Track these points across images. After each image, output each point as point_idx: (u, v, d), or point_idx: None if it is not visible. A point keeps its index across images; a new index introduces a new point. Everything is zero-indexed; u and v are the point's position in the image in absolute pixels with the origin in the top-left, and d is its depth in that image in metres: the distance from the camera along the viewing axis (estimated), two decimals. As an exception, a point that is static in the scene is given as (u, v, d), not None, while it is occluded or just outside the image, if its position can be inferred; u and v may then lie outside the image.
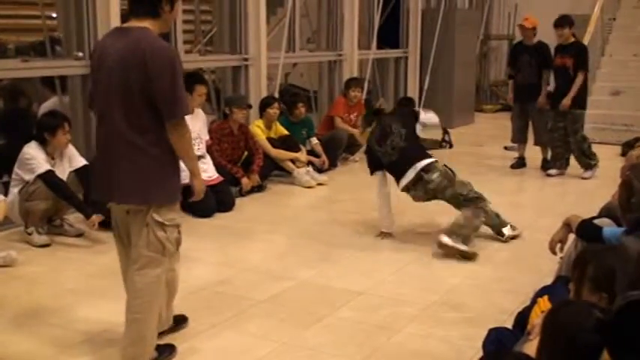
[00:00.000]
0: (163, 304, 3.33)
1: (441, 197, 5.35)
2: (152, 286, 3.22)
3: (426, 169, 5.27)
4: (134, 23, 3.12)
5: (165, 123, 3.06)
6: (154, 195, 3.14)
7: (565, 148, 7.88)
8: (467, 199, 5.27)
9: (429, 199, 5.43)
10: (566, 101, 7.60)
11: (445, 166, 5.39)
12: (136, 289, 3.23)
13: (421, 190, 5.32)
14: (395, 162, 5.38)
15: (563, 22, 7.72)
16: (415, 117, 6.01)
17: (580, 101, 7.71)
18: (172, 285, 3.36)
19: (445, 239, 5.07)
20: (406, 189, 5.39)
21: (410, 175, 5.29)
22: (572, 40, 7.78)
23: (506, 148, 9.13)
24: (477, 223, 5.27)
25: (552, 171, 7.98)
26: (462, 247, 5.08)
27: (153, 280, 3.21)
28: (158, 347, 3.40)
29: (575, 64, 7.64)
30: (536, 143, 8.37)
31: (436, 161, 5.38)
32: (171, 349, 3.51)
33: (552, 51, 7.98)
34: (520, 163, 8.49)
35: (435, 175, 5.25)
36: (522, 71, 8.27)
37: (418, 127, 5.80)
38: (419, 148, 5.49)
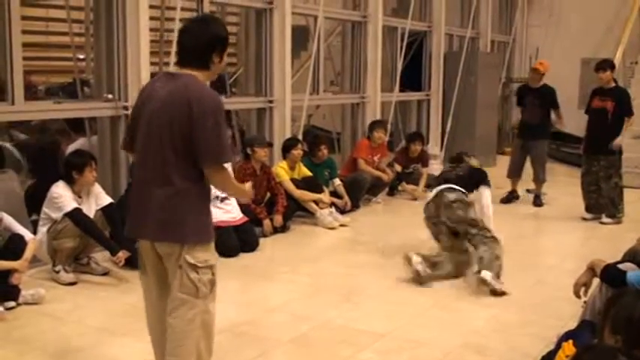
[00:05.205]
0: (203, 346, 3.26)
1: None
2: (187, 328, 3.19)
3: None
4: (184, 70, 3.19)
5: (204, 169, 3.11)
6: (187, 235, 3.15)
7: (598, 193, 7.75)
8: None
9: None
10: (619, 142, 7.53)
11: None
12: (170, 331, 3.21)
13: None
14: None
15: (605, 65, 7.74)
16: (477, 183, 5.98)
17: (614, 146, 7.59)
18: (208, 327, 3.29)
19: (486, 276, 5.15)
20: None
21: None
22: (613, 84, 7.76)
23: (528, 191, 9.11)
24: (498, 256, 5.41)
25: (588, 215, 7.84)
26: (498, 286, 5.17)
27: (187, 323, 3.18)
28: None
29: (616, 108, 7.57)
30: (534, 179, 8.81)
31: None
32: None
33: (589, 94, 7.96)
34: (511, 197, 8.83)
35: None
36: (527, 111, 8.74)
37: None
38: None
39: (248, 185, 3.40)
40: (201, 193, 3.18)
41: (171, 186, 3.11)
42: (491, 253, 5.35)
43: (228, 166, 3.94)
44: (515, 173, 8.91)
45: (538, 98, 8.63)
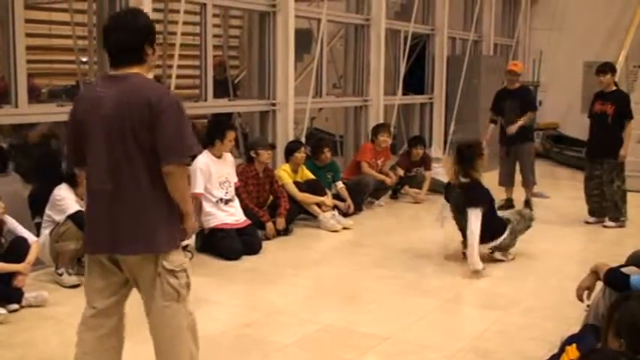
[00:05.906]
0: (194, 349, 3.27)
1: None
2: (177, 333, 3.19)
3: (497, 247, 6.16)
4: (124, 70, 3.11)
5: (164, 166, 3.01)
6: (162, 244, 3.11)
7: (601, 197, 7.73)
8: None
9: None
10: (624, 152, 7.56)
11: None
12: (161, 340, 3.21)
13: None
14: None
15: (605, 68, 7.69)
16: (489, 199, 6.19)
17: (614, 151, 7.58)
18: (192, 328, 3.28)
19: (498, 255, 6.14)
20: None
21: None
22: (614, 88, 7.72)
23: (535, 195, 9.08)
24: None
25: (591, 219, 7.84)
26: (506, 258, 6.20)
27: (176, 328, 3.19)
28: None
29: (616, 112, 7.54)
30: (523, 184, 8.68)
31: (504, 239, 6.09)
32: None
33: (591, 98, 7.92)
34: (507, 206, 8.49)
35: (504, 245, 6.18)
36: (507, 115, 8.57)
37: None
38: (491, 227, 5.99)
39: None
40: (169, 198, 3.09)
41: (140, 194, 3.06)
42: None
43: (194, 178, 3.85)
44: (506, 181, 8.74)
45: (516, 100, 8.51)
